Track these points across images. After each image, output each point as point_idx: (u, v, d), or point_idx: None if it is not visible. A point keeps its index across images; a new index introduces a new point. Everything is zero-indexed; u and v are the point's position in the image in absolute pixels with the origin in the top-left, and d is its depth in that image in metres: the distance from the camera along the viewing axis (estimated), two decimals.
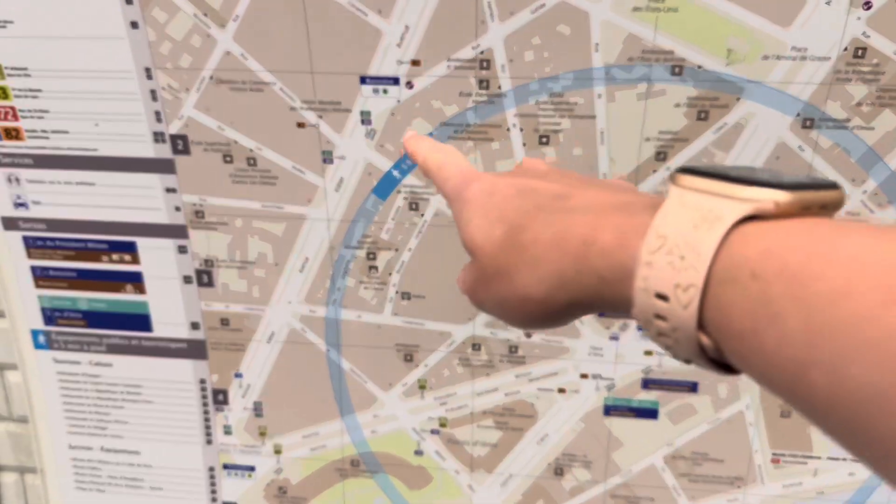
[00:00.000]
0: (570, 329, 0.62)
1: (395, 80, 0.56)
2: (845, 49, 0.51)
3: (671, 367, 0.62)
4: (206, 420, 0.70)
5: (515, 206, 0.27)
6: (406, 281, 0.63)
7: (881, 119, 0.52)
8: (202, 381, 0.69)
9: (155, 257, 0.65)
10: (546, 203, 0.27)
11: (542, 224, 0.26)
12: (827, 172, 0.54)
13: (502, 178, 0.30)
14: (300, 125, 0.59)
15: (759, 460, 0.63)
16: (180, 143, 0.61)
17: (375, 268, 0.62)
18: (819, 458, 0.63)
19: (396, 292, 0.63)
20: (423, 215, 0.60)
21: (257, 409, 0.69)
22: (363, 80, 0.56)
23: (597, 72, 0.53)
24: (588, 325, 0.62)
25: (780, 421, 0.62)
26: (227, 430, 0.70)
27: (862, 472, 0.63)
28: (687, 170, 0.23)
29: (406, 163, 0.59)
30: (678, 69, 0.52)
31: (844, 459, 0.62)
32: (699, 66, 0.52)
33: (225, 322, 0.66)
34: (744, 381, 0.61)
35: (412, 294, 0.63)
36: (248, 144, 0.60)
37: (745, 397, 0.62)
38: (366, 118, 0.57)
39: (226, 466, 0.71)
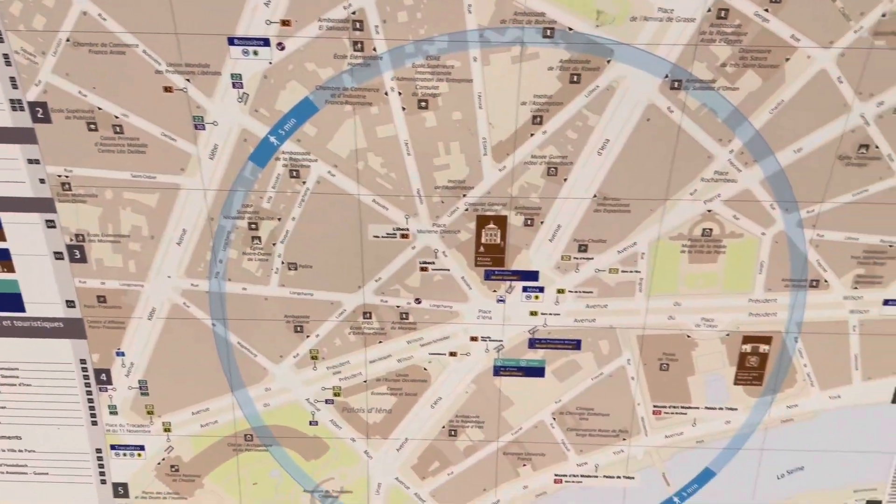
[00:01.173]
0: (459, 294, 0.62)
1: (265, 42, 0.53)
2: (709, 10, 0.52)
3: (555, 326, 0.63)
4: (90, 401, 0.67)
5: None
6: (291, 251, 0.61)
7: (745, 80, 0.54)
8: (83, 361, 0.66)
9: (22, 233, 0.61)
10: None
11: None
12: (695, 133, 0.56)
13: None
14: (167, 89, 0.56)
15: (642, 412, 0.66)
16: (40, 111, 0.57)
17: (258, 238, 0.61)
18: (697, 408, 0.66)
19: (282, 263, 0.62)
20: (304, 183, 0.59)
21: (143, 388, 0.66)
22: (231, 41, 0.53)
23: (471, 34, 0.53)
24: (476, 290, 0.62)
25: (660, 374, 0.65)
26: (113, 410, 0.68)
27: (737, 420, 0.66)
28: None
29: (284, 128, 0.57)
30: (549, 31, 0.52)
31: (721, 409, 0.66)
32: (570, 29, 0.52)
33: (102, 299, 0.63)
34: (624, 336, 0.63)
35: (299, 264, 0.62)
36: (113, 111, 0.57)
37: (625, 352, 0.64)
38: (237, 81, 0.55)
39: (114, 447, 0.69)
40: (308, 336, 0.64)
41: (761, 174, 0.57)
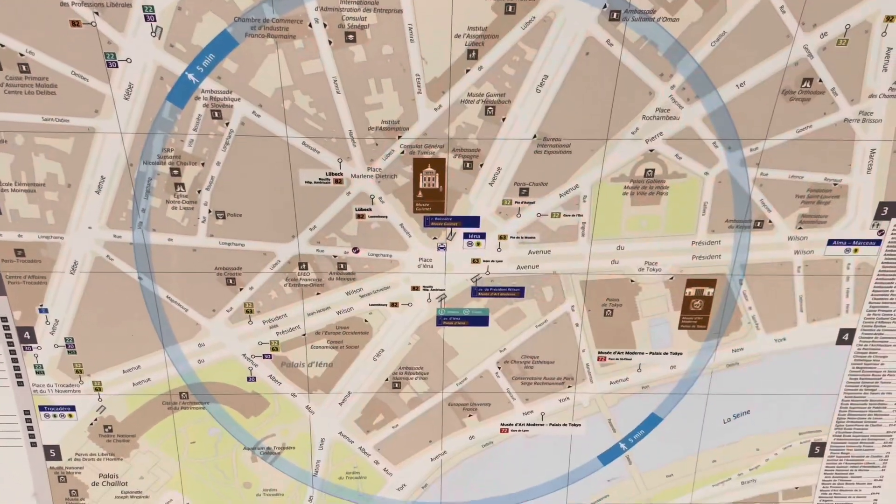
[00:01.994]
0: (398, 242, 0.60)
1: None
2: None
3: (498, 273, 0.62)
4: (14, 360, 0.64)
5: None
6: (218, 198, 0.58)
7: (685, 9, 0.52)
8: (3, 319, 0.63)
9: None
10: None
11: None
12: (635, 68, 0.54)
13: None
14: (74, 23, 0.52)
15: (587, 359, 0.65)
16: None
17: (182, 185, 0.58)
18: (642, 353, 0.65)
19: (209, 211, 0.59)
20: (227, 124, 0.55)
21: (70, 346, 0.63)
22: None
23: None
24: (416, 237, 0.60)
25: (604, 320, 0.63)
26: (39, 370, 0.64)
27: (682, 365, 0.66)
28: None
29: (202, 64, 0.53)
30: None
31: (665, 354, 0.65)
32: None
33: (20, 253, 0.60)
34: (567, 282, 0.62)
35: (227, 213, 0.59)
36: (17, 48, 0.52)
37: (569, 299, 0.63)
38: (149, 13, 0.51)
39: (42, 408, 0.66)
40: (241, 289, 0.62)
41: (703, 111, 0.56)
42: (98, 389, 0.65)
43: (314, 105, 0.55)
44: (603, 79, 0.54)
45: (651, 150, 0.57)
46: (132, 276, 0.61)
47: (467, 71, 0.54)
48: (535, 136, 0.56)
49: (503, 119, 0.56)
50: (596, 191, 0.58)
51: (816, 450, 0.69)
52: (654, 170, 0.58)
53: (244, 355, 0.64)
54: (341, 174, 0.57)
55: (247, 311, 0.63)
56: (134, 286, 0.61)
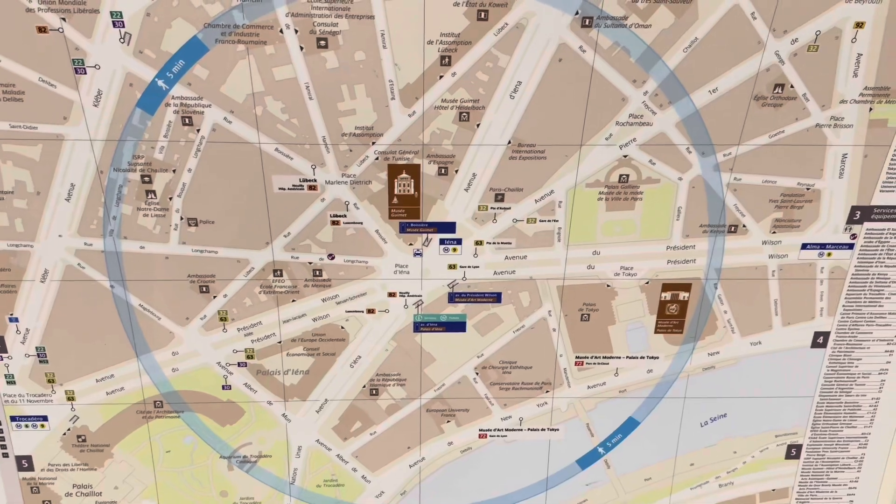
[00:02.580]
0: (374, 248, 0.60)
1: None
2: None
3: (475, 279, 0.61)
4: None
5: None
6: (190, 205, 0.57)
7: (657, 16, 0.52)
8: None
9: None
10: None
11: None
12: (608, 75, 0.54)
13: None
14: (41, 30, 0.51)
15: (564, 364, 0.65)
16: None
17: (153, 192, 0.57)
18: (619, 357, 0.65)
19: (181, 218, 0.58)
20: (198, 130, 0.55)
21: (41, 355, 0.62)
22: None
23: None
24: (391, 243, 0.60)
25: (581, 325, 0.63)
26: (10, 380, 0.63)
27: (659, 369, 0.66)
28: None
29: (172, 70, 0.53)
30: None
31: (642, 358, 0.65)
32: None
33: None
34: (544, 287, 0.62)
35: (199, 220, 0.58)
36: None
37: (546, 304, 0.63)
38: (117, 20, 0.51)
39: (14, 419, 0.65)
40: (215, 296, 0.61)
41: (676, 117, 0.56)
42: (71, 399, 0.64)
43: (286, 111, 0.54)
44: (576, 85, 0.54)
45: (625, 156, 0.57)
46: (104, 284, 0.60)
47: (441, 77, 0.54)
48: (509, 142, 0.56)
49: (477, 125, 0.56)
50: (571, 196, 0.58)
51: (793, 452, 0.70)
52: (628, 175, 0.58)
53: (219, 363, 0.64)
54: (315, 181, 0.57)
55: (221, 319, 0.62)
56: (106, 294, 0.60)
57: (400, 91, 0.54)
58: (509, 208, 0.59)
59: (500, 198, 0.58)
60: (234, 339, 0.63)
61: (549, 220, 0.59)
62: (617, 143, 0.56)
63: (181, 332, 0.62)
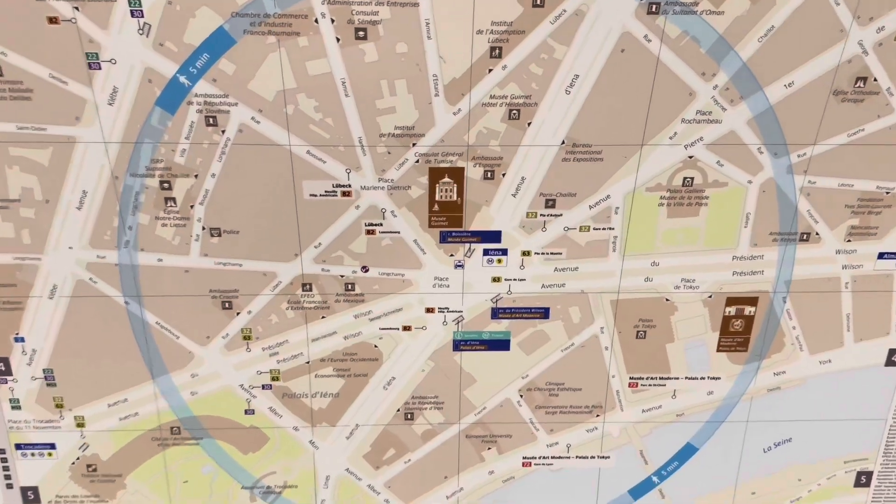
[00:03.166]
0: (411, 259, 0.55)
1: None
2: None
3: (521, 293, 0.56)
4: None
5: None
6: (213, 214, 0.53)
7: (730, 2, 0.47)
8: None
9: None
10: None
11: None
12: (675, 67, 0.49)
13: None
14: (52, 20, 0.46)
15: (617, 385, 0.60)
16: None
17: (173, 199, 0.52)
18: (677, 378, 0.60)
19: (203, 228, 0.53)
20: (223, 132, 0.50)
21: (49, 378, 0.57)
22: None
23: None
24: (431, 254, 0.55)
25: (636, 343, 0.58)
26: (15, 404, 0.58)
27: (721, 391, 0.60)
28: None
29: (195, 65, 0.48)
30: None
31: (703, 379, 0.60)
32: None
33: None
34: (596, 302, 0.57)
35: (223, 229, 0.53)
36: None
37: (599, 320, 0.57)
38: (136, 9, 0.46)
39: (19, 447, 0.60)
40: (238, 313, 0.56)
41: (748, 113, 0.51)
42: (80, 425, 0.59)
43: (320, 110, 0.49)
44: (639, 78, 0.49)
45: (690, 157, 0.52)
46: (118, 300, 0.55)
47: (490, 71, 0.49)
48: (563, 143, 0.51)
49: (528, 123, 0.50)
50: (629, 202, 0.53)
51: (862, 479, 0.64)
52: (693, 178, 0.53)
53: (242, 386, 0.59)
54: (350, 186, 0.52)
55: (244, 338, 0.57)
56: (120, 311, 0.55)
57: (445, 87, 0.49)
58: (560, 215, 0.54)
59: (550, 204, 0.53)
60: (259, 359, 0.58)
61: (603, 228, 0.54)
62: (682, 142, 0.51)
63: (201, 353, 0.57)
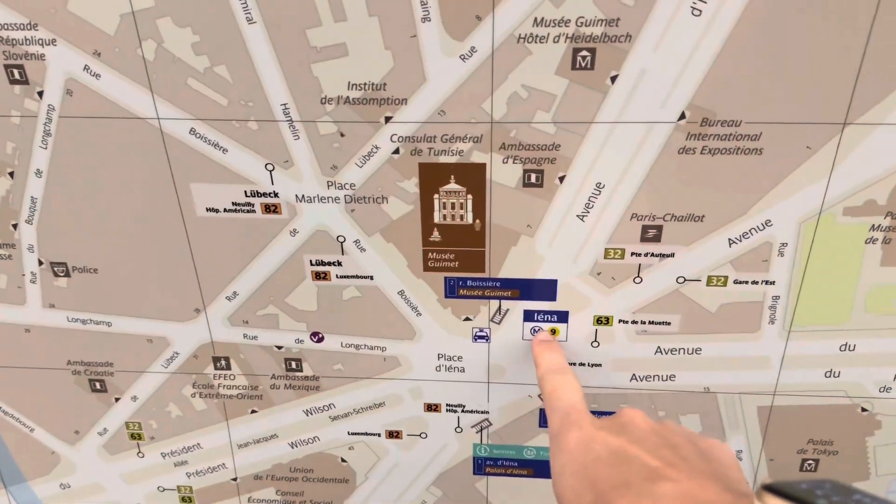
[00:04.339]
0: (397, 324, 0.31)
1: None
2: None
3: (594, 387, 0.31)
4: None
5: (606, 476, 0.26)
6: (51, 239, 0.30)
7: None
8: None
9: None
10: (636, 482, 0.25)
11: None
12: None
13: (600, 433, 0.27)
14: None
15: None
16: None
17: None
18: None
19: (40, 263, 0.31)
20: (40, 94, 0.27)
21: None
22: None
23: None
24: (429, 315, 0.31)
25: (802, 477, 0.32)
26: None
27: None
28: (773, 489, 0.21)
29: None
30: None
31: None
32: None
33: None
34: (731, 407, 0.31)
35: (71, 265, 0.31)
36: None
37: (734, 436, 0.32)
38: None
39: None
40: (118, 398, 0.34)
41: None
42: None
43: (204, 52, 0.26)
44: (837, 10, 0.23)
45: None
46: None
47: None
48: (682, 117, 0.26)
49: (613, 78, 0.25)
50: (808, 234, 0.27)
51: None
52: None
53: None
54: (275, 195, 0.28)
55: (132, 437, 0.35)
56: None
57: (440, 4, 0.24)
58: (671, 255, 0.28)
59: (651, 234, 0.28)
60: (159, 468, 0.36)
61: (753, 283, 0.28)
62: None
63: (70, 454, 0.36)
